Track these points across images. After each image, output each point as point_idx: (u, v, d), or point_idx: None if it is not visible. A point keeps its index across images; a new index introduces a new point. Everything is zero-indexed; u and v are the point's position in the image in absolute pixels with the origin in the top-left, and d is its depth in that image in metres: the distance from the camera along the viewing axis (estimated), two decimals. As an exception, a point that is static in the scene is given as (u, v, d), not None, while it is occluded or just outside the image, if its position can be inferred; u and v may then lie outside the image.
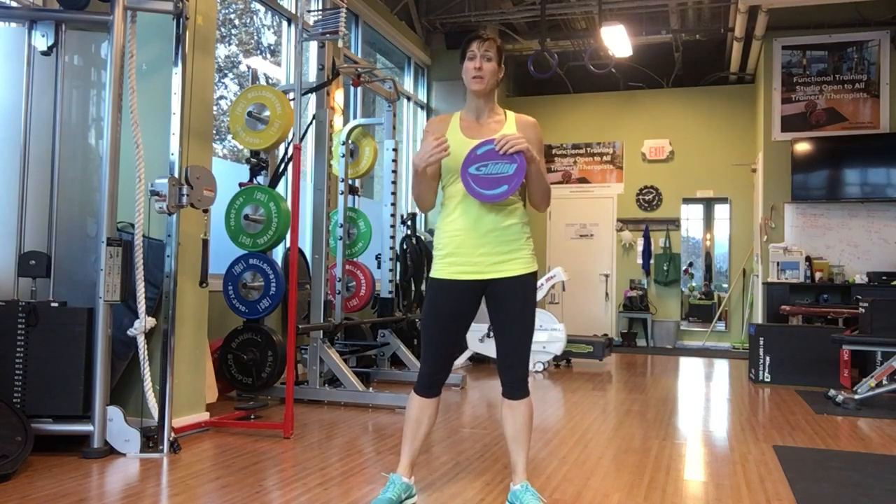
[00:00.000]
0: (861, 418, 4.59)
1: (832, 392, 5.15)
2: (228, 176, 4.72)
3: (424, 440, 2.65)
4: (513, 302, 2.49)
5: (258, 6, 5.95)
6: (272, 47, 6.17)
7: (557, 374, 6.50)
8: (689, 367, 7.19)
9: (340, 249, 5.43)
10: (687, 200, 9.68)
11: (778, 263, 7.61)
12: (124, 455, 3.23)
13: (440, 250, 2.54)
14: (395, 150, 5.75)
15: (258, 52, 6.11)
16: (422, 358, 2.61)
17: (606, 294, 9.91)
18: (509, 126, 2.54)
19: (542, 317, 6.61)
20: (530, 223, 2.59)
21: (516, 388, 2.53)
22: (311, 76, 4.95)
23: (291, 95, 4.62)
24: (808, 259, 7.57)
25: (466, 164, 2.42)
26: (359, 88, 6.51)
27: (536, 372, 6.50)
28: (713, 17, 8.41)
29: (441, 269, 2.53)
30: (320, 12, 4.29)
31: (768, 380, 6.08)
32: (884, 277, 7.21)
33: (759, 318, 8.10)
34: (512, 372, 2.52)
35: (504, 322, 2.50)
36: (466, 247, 2.48)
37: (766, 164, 8.06)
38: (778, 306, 7.30)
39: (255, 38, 6.12)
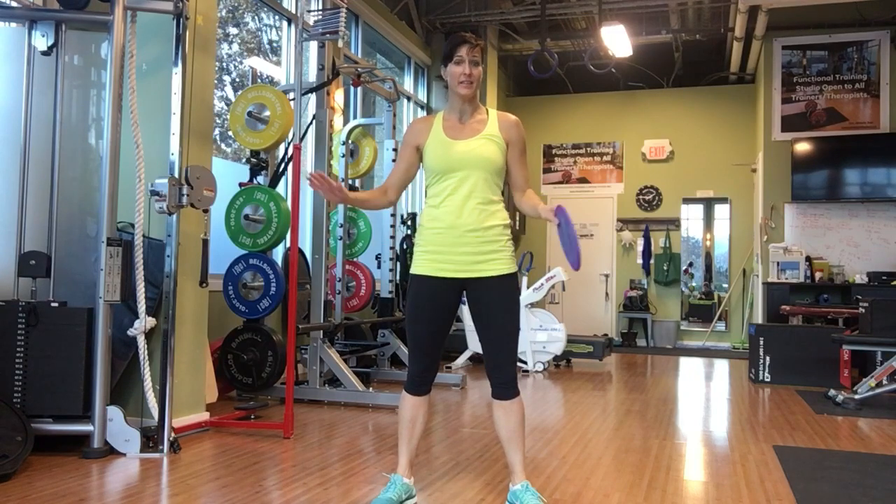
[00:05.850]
0: (861, 418, 4.58)
1: (832, 392, 5.15)
2: (228, 176, 4.72)
3: (420, 438, 2.65)
4: (495, 301, 2.50)
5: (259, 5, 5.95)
6: (273, 45, 6.17)
7: (557, 374, 6.50)
8: (689, 367, 7.19)
9: (340, 249, 5.43)
10: (687, 200, 9.68)
11: (778, 263, 7.61)
12: (124, 455, 3.23)
13: (421, 246, 2.57)
14: (395, 150, 5.75)
15: (259, 52, 6.11)
16: (409, 356, 2.62)
17: (606, 294, 9.91)
18: (492, 125, 2.56)
19: (542, 317, 6.61)
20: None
21: (507, 387, 2.53)
22: (311, 76, 4.95)
23: (291, 95, 4.62)
24: (808, 259, 7.57)
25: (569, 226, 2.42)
26: (359, 88, 6.51)
27: (536, 372, 6.50)
28: (713, 17, 8.41)
29: (421, 264, 2.55)
30: (320, 12, 4.29)
31: (768, 380, 6.08)
32: (884, 277, 7.21)
33: (759, 318, 8.10)
34: (501, 372, 2.52)
35: (488, 322, 2.52)
36: (447, 245, 2.51)
37: (766, 164, 8.06)
38: (778, 306, 7.30)
39: (258, 38, 6.12)
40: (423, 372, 2.59)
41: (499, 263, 2.52)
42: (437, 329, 2.55)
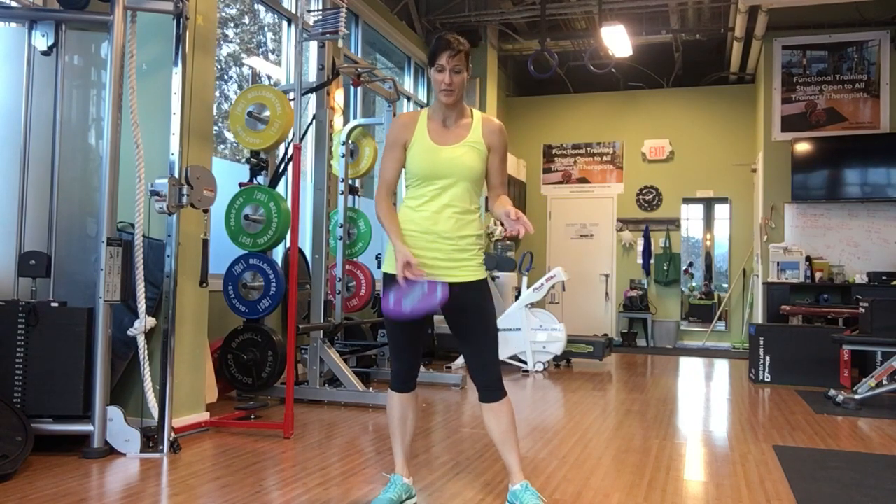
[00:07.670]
0: (861, 418, 4.58)
1: (832, 392, 5.15)
2: (228, 176, 4.72)
3: (414, 435, 2.66)
4: (469, 305, 2.49)
5: (258, 6, 5.95)
6: (272, 47, 6.17)
7: (557, 374, 6.50)
8: (689, 367, 7.19)
9: (340, 249, 5.43)
10: (687, 200, 9.68)
11: (778, 263, 7.61)
12: (124, 455, 3.23)
13: None
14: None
15: (259, 51, 6.11)
16: (391, 356, 2.62)
17: (606, 294, 9.91)
18: (475, 131, 2.54)
19: (542, 317, 6.61)
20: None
21: (493, 389, 2.52)
22: (311, 76, 4.95)
23: (291, 95, 4.62)
24: (808, 259, 7.57)
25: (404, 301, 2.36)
26: (359, 88, 6.51)
27: (536, 372, 6.50)
28: (713, 17, 8.41)
29: (393, 264, 2.51)
30: (320, 12, 4.29)
31: (768, 380, 6.08)
32: (884, 277, 7.21)
33: (759, 318, 8.10)
34: (485, 373, 2.52)
35: (465, 326, 2.51)
36: (420, 248, 2.49)
37: (766, 164, 8.06)
38: (778, 306, 7.30)
39: (256, 38, 6.12)
40: (408, 369, 2.60)
41: (469, 270, 2.50)
42: (413, 327, 2.54)
